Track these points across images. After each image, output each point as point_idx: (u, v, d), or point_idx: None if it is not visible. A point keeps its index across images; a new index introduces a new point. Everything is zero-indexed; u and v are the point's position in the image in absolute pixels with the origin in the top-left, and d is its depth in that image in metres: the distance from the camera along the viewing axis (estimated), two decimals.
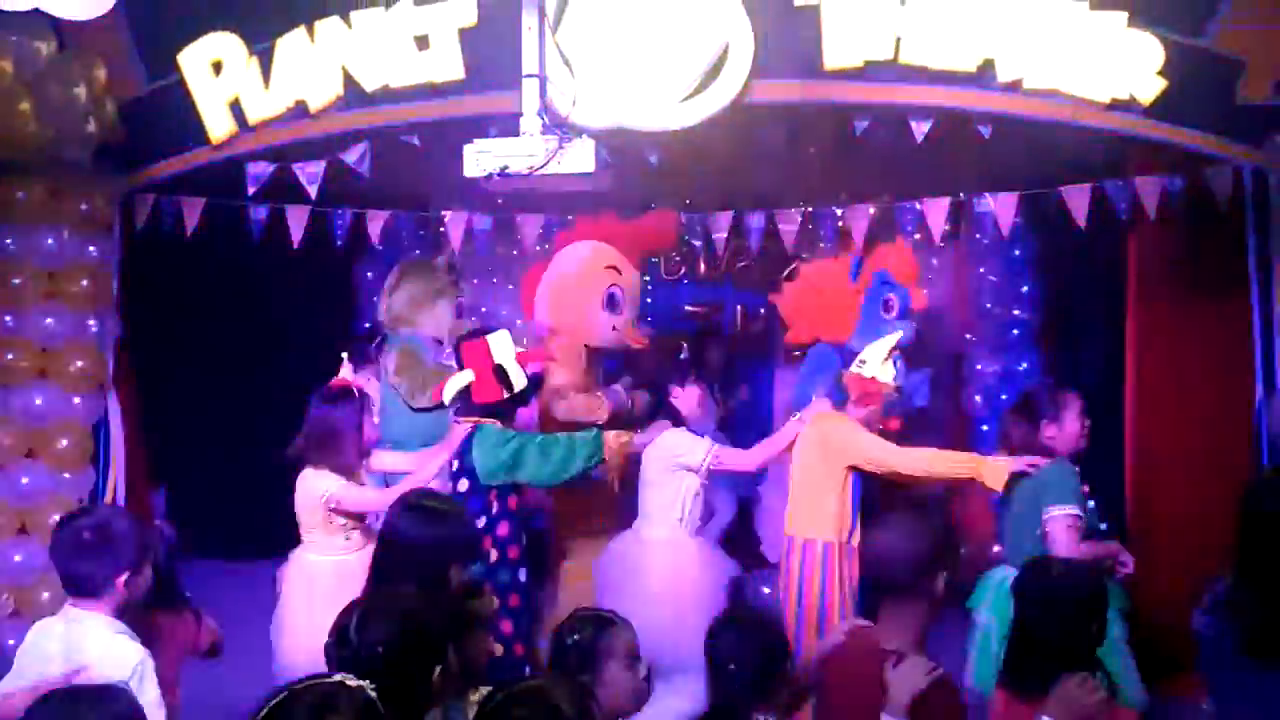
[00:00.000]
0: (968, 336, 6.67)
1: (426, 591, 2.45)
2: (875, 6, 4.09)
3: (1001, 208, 4.91)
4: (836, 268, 4.63)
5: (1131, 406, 5.08)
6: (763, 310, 6.96)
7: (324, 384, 4.07)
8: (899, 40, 4.10)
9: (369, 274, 6.73)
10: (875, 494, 4.22)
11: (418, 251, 5.89)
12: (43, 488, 4.70)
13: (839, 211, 5.30)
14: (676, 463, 4.08)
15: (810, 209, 5.34)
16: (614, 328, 4.79)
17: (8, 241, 4.70)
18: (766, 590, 5.51)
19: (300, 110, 4.56)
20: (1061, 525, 3.69)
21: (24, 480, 4.68)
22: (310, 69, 4.51)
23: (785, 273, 6.33)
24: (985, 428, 6.46)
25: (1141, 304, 5.10)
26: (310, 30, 4.50)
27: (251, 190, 4.81)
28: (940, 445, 4.55)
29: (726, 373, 6.06)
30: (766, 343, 7.08)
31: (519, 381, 4.08)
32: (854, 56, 4.12)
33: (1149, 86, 4.01)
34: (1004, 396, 6.44)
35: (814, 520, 4.11)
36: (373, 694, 1.72)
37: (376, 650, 2.10)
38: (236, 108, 4.61)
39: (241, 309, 6.50)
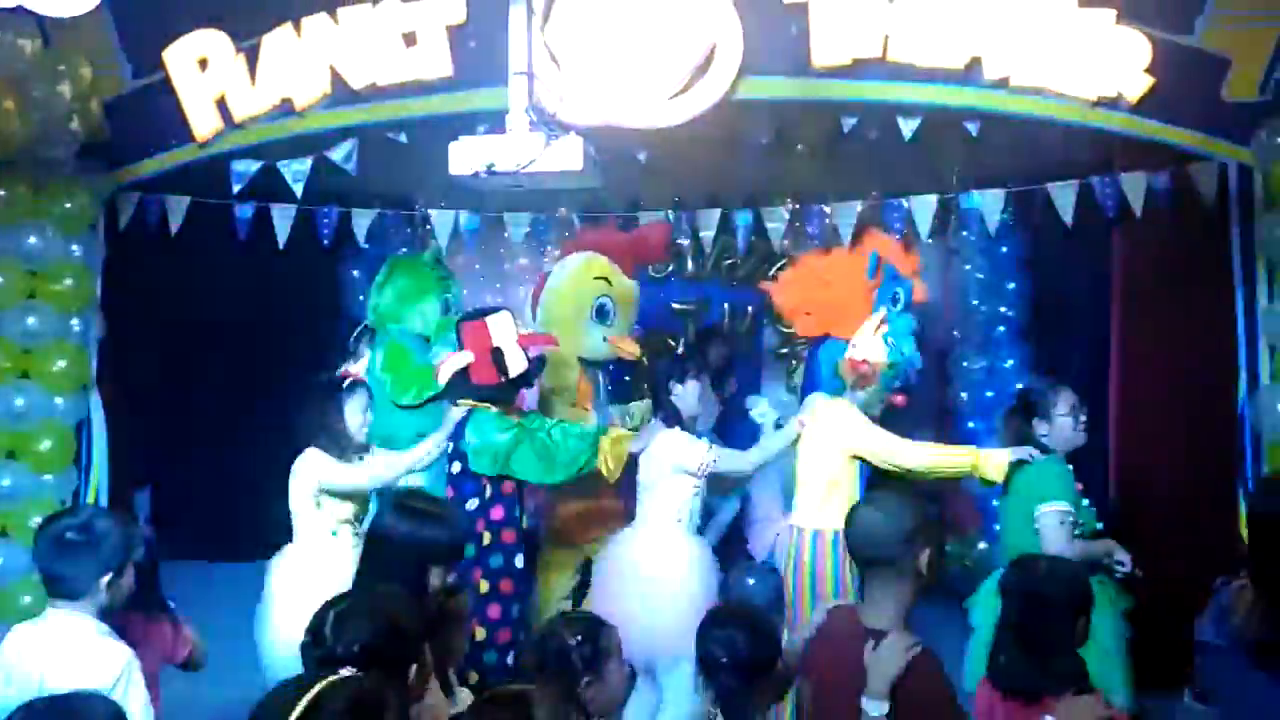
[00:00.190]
0: (954, 333, 6.68)
1: (405, 591, 2.44)
2: (863, 4, 4.10)
3: (988, 205, 4.93)
4: (848, 261, 4.58)
5: (1116, 403, 5.11)
6: (750, 308, 6.96)
7: (320, 379, 4.10)
8: (887, 38, 4.11)
9: (355, 273, 6.69)
10: (880, 482, 4.19)
11: (405, 249, 5.87)
12: (24, 489, 4.66)
13: (827, 209, 5.29)
14: (674, 465, 4.06)
15: (798, 206, 5.35)
16: (605, 339, 4.79)
17: None
18: (752, 581, 5.51)
19: (286, 107, 4.54)
20: (1052, 521, 3.68)
21: (5, 482, 4.64)
22: (297, 66, 4.49)
23: (774, 270, 6.31)
24: (971, 424, 6.48)
25: (1127, 300, 5.13)
26: (297, 27, 4.48)
27: (237, 188, 4.78)
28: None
29: (726, 370, 6.03)
30: (753, 340, 7.07)
31: (516, 366, 4.06)
32: (842, 54, 4.14)
33: (1136, 83, 4.03)
34: (990, 394, 6.46)
35: (823, 510, 4.07)
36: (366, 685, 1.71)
37: (352, 649, 2.09)
38: (222, 105, 4.59)
39: (226, 309, 6.45)
